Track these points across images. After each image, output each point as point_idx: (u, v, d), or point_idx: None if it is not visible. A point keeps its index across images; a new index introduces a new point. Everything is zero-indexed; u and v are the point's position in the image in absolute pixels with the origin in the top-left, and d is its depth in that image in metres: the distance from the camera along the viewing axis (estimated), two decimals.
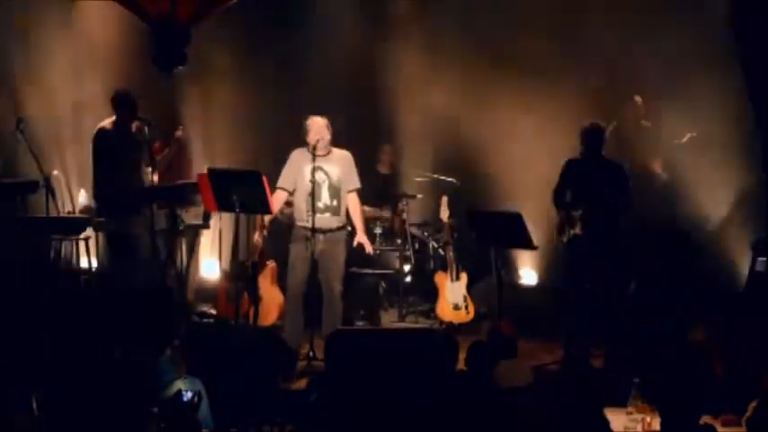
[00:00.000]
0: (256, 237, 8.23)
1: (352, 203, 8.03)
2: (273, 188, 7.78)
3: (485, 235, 8.06)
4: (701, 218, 9.14)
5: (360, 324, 8.89)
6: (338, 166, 7.94)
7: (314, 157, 7.81)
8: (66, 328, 6.37)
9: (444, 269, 9.00)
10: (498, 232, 7.94)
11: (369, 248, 8.23)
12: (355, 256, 8.51)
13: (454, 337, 6.70)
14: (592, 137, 7.99)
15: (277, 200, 7.96)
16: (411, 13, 10.18)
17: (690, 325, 7.20)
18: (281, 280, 8.48)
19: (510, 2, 9.70)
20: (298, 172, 7.92)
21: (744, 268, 8.67)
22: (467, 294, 8.86)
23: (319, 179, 7.87)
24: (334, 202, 7.92)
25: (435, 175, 9.77)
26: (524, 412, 5.68)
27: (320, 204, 7.86)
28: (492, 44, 9.64)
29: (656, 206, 8.88)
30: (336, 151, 8.01)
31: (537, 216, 8.24)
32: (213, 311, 8.86)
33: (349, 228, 8.21)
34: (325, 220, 7.83)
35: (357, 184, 8.06)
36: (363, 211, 8.30)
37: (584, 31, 9.36)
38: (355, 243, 8.18)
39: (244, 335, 7.42)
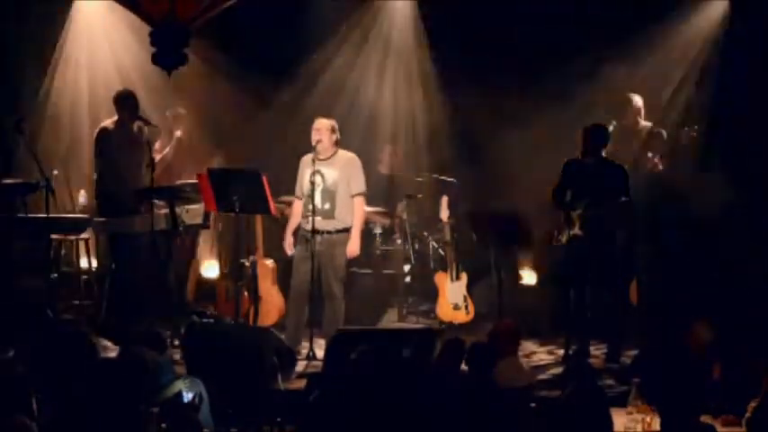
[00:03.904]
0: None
1: (355, 208, 7.97)
2: (273, 190, 7.78)
3: (484, 234, 8.07)
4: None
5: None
6: (338, 170, 7.90)
7: (314, 159, 7.82)
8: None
9: (444, 269, 8.99)
10: (497, 231, 7.94)
11: (351, 253, 7.99)
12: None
13: (460, 338, 6.65)
14: (592, 136, 7.98)
15: (296, 208, 8.00)
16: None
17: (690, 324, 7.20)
18: (281, 279, 8.50)
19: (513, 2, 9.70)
20: (302, 178, 7.94)
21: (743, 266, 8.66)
22: (467, 294, 8.85)
23: (316, 182, 7.86)
24: (327, 206, 7.88)
25: (435, 175, 9.75)
26: (524, 412, 5.69)
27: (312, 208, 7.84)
28: (497, 46, 9.64)
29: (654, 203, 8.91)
30: (342, 154, 7.97)
31: (537, 216, 8.25)
32: (213, 311, 8.85)
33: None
34: (318, 224, 7.82)
35: (361, 188, 7.99)
36: (365, 216, 8.25)
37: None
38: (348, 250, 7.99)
39: (244, 335, 7.42)
